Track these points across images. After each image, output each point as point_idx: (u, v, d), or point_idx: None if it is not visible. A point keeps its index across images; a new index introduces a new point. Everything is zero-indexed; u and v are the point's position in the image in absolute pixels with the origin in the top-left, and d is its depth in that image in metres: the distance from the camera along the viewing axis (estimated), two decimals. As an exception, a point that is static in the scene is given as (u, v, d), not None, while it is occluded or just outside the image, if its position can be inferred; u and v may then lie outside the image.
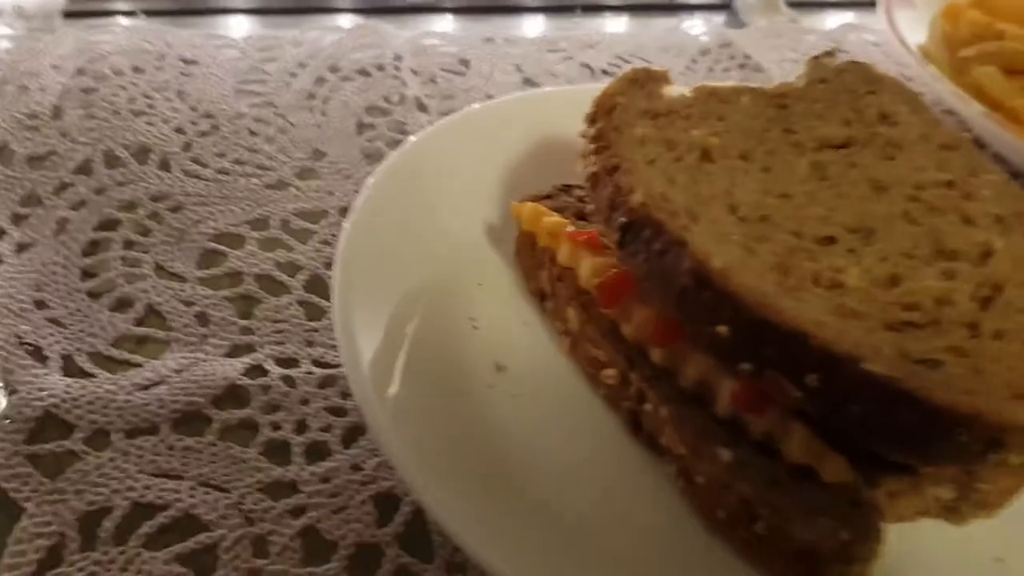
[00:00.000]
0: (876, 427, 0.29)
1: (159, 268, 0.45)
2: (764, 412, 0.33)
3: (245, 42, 0.64)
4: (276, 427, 0.37)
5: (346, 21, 0.69)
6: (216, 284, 0.44)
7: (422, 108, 0.60)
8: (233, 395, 0.39)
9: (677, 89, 0.41)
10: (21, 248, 0.45)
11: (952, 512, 0.35)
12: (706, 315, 0.31)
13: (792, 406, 0.31)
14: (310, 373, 0.40)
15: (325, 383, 0.40)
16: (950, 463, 0.30)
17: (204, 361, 0.40)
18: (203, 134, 0.54)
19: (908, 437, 0.29)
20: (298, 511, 0.34)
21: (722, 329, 0.31)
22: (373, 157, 0.54)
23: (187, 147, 0.53)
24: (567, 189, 0.45)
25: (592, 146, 0.38)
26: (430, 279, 0.40)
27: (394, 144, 0.45)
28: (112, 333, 0.41)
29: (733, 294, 0.31)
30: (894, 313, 0.32)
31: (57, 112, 0.54)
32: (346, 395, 0.39)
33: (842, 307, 0.32)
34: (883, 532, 0.31)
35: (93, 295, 0.43)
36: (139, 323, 0.42)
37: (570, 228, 0.40)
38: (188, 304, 0.43)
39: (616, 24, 0.74)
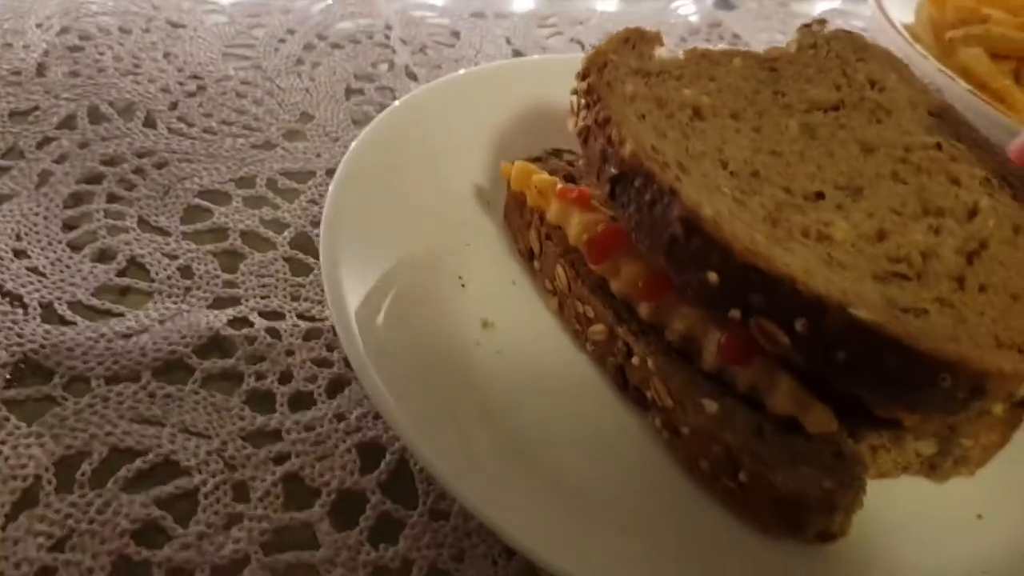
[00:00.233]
0: (862, 373, 0.29)
1: (142, 222, 0.44)
2: (750, 363, 0.33)
3: (233, 8, 0.63)
4: (260, 377, 0.37)
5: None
6: (200, 239, 0.44)
7: (411, 76, 0.59)
8: (217, 345, 0.38)
9: (668, 51, 0.41)
10: (1, 199, 0.44)
11: (933, 469, 0.35)
12: (695, 263, 0.31)
13: (779, 355, 0.31)
14: (295, 326, 0.39)
15: (310, 335, 0.39)
16: (933, 411, 0.31)
17: (187, 312, 0.39)
18: (190, 94, 0.54)
19: (893, 383, 0.29)
20: (281, 458, 0.34)
21: (712, 276, 0.31)
22: (361, 122, 0.53)
23: (173, 106, 0.52)
24: (557, 153, 0.45)
25: (583, 101, 0.38)
26: (418, 238, 0.40)
27: (383, 109, 0.44)
28: (93, 283, 0.40)
29: (723, 242, 0.31)
30: (881, 265, 0.32)
31: (41, 69, 0.54)
32: (331, 347, 0.39)
33: (830, 258, 0.32)
34: (865, 483, 0.31)
35: (74, 246, 0.42)
36: (121, 274, 0.41)
37: (559, 186, 0.40)
38: (172, 257, 0.42)
39: (607, 2, 0.74)
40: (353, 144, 0.41)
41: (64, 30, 0.57)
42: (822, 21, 0.45)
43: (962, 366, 0.28)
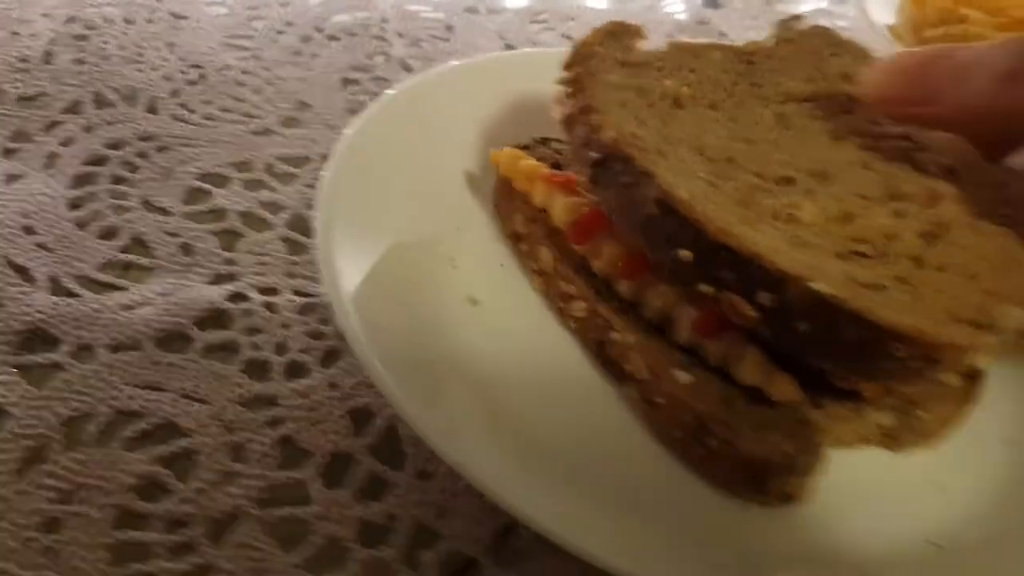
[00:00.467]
0: (822, 344, 0.31)
1: (145, 202, 0.46)
2: (720, 337, 0.35)
3: (233, 0, 0.65)
4: (257, 347, 0.39)
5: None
6: (200, 219, 0.46)
7: (406, 68, 0.61)
8: (216, 318, 0.40)
9: (651, 44, 0.43)
10: (10, 179, 0.46)
11: (892, 440, 0.37)
12: (670, 242, 0.33)
13: (748, 328, 0.33)
14: (291, 301, 0.41)
15: (305, 310, 0.41)
16: (890, 379, 0.33)
17: (188, 287, 0.41)
18: (191, 83, 0.56)
19: (851, 353, 0.31)
20: (276, 422, 0.36)
21: (684, 254, 0.33)
22: (357, 111, 0.55)
23: (175, 93, 0.54)
24: (545, 141, 0.47)
25: (568, 90, 0.40)
26: (409, 221, 0.42)
27: (379, 99, 0.46)
28: (98, 258, 0.42)
29: (696, 222, 0.32)
30: (845, 245, 0.34)
31: (48, 56, 0.55)
32: (325, 321, 0.40)
33: (797, 238, 0.34)
34: (824, 448, 0.33)
35: (80, 224, 0.44)
36: (124, 251, 0.43)
37: (545, 171, 0.42)
38: (173, 235, 0.44)
39: (597, 0, 0.76)
40: (348, 129, 0.43)
41: (70, 19, 0.59)
42: (798, 17, 0.47)
43: (918, 337, 0.30)
